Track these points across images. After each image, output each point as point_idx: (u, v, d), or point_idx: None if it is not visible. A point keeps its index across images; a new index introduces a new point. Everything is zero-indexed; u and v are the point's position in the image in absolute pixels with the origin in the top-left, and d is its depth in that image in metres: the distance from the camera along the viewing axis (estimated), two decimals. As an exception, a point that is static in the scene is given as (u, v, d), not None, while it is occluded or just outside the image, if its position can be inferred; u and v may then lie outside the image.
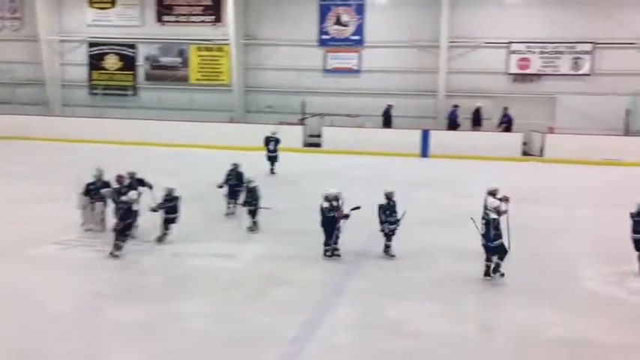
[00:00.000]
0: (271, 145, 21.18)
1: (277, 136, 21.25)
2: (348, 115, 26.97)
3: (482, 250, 12.34)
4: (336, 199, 12.17)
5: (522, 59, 26.54)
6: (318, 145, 26.07)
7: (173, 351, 8.61)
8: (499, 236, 11.14)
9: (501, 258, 11.23)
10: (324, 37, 28.16)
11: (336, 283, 11.29)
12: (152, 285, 10.95)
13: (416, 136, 25.15)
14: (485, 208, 12.12)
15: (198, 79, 29.65)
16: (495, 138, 24.96)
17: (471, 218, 11.76)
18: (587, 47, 25.80)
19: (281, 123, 25.73)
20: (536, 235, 13.41)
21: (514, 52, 26.51)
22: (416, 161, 24.06)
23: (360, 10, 27.70)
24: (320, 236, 13.60)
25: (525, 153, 24.85)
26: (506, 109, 25.66)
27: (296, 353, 8.60)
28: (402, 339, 9.00)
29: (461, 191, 18.33)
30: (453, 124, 26.06)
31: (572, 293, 10.89)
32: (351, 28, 27.87)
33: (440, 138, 24.98)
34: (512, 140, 24.78)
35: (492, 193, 12.45)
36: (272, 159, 21.16)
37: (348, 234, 12.50)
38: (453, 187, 18.95)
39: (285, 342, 8.88)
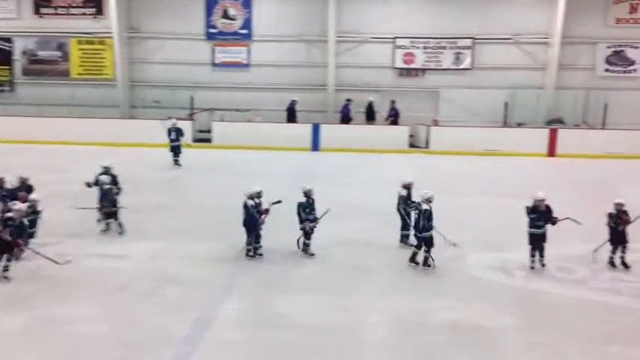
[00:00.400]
0: (172, 134, 21.19)
1: (178, 125, 21.38)
2: (237, 110, 26.75)
3: (370, 241, 12.62)
4: (259, 196, 11.97)
5: (407, 54, 27.20)
6: (208, 140, 25.68)
7: (62, 356, 8.27)
8: (431, 227, 11.44)
9: (429, 250, 11.55)
10: (211, 30, 27.71)
11: (227, 280, 11.19)
12: (38, 290, 10.44)
13: (306, 130, 25.28)
14: (405, 200, 12.45)
15: (80, 74, 28.44)
16: (383, 131, 25.47)
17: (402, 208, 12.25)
18: (468, 42, 26.77)
19: (169, 118, 25.25)
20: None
21: (399, 47, 27.13)
22: (307, 155, 24.19)
23: (247, 3, 27.46)
24: (212, 233, 13.50)
25: (412, 145, 25.49)
26: (393, 102, 26.23)
27: (188, 353, 8.46)
28: (290, 332, 9.04)
29: (351, 183, 18.63)
30: (345, 118, 26.37)
31: (459, 279, 11.30)
32: (239, 22, 27.59)
33: (330, 132, 25.20)
34: (400, 133, 25.35)
35: (407, 187, 12.73)
36: (174, 149, 21.17)
37: (237, 229, 12.38)
38: (343, 180, 19.19)
39: (177, 342, 8.71)
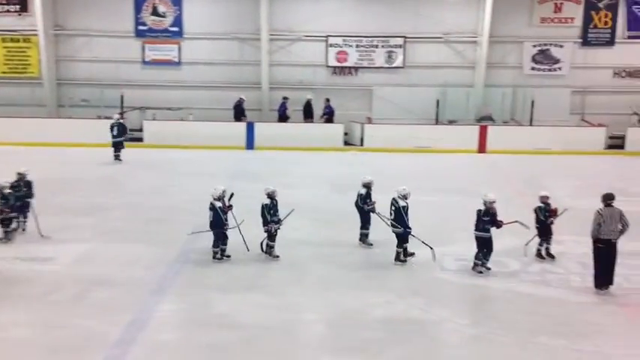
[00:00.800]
0: (114, 130, 21.38)
1: (121, 121, 21.82)
2: (169, 109, 26.34)
3: (307, 239, 12.59)
4: (224, 196, 11.79)
5: (340, 52, 27.30)
6: (139, 139, 25.14)
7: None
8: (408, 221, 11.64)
9: (401, 245, 11.80)
10: (141, 28, 27.15)
11: (162, 281, 10.96)
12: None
13: (241, 128, 25.09)
14: (364, 198, 12.53)
15: (5, 72, 27.43)
16: (318, 129, 25.52)
17: (377, 213, 12.29)
18: (399, 41, 27.07)
19: (99, 117, 24.77)
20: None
21: (332, 45, 27.21)
22: (241, 154, 23.99)
23: (177, 1, 27.02)
24: (146, 234, 13.24)
25: (347, 143, 25.63)
26: (327, 100, 26.30)
27: (120, 355, 8.24)
28: (227, 332, 8.94)
29: (287, 182, 18.55)
30: (283, 116, 26.26)
31: (394, 275, 11.40)
32: (169, 19, 27.11)
33: (264, 130, 25.09)
34: (335, 131, 25.47)
35: (367, 186, 12.72)
36: (115, 145, 21.43)
37: (170, 229, 12.17)
38: (279, 179, 19.05)
39: (108, 345, 8.47)
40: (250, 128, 25.07)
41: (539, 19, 26.85)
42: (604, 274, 10.51)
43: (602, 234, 10.35)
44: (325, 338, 8.96)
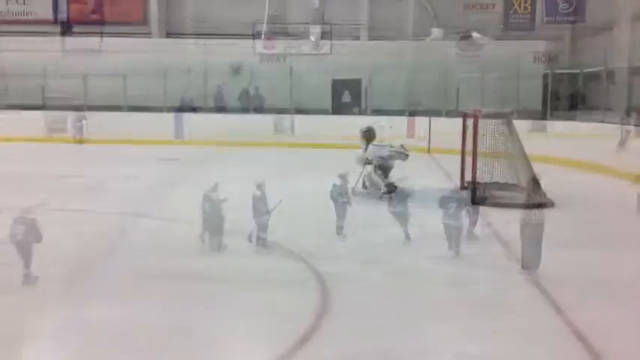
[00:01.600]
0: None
1: None
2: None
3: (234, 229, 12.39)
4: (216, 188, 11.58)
5: (267, 39, 27.22)
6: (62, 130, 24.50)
7: None
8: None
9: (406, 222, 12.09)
10: (61, 15, 26.41)
11: (87, 277, 10.61)
12: None
13: (169, 119, 24.76)
14: (339, 190, 12.35)
15: None
16: (247, 118, 25.41)
17: (382, 193, 12.43)
18: (327, 28, 27.17)
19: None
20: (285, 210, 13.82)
21: (259, 32, 27.07)
22: (169, 144, 23.62)
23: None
24: (64, 230, 12.80)
25: (277, 132, 25.49)
26: (257, 89, 26.22)
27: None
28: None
29: (216, 172, 18.31)
30: (220, 105, 26.02)
31: (325, 261, 11.35)
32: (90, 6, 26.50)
33: (193, 119, 24.84)
34: (264, 119, 25.36)
35: (343, 177, 12.60)
36: None
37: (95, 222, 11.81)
38: (208, 168, 18.86)
39: (30, 344, 8.17)
40: (179, 118, 24.76)
41: (462, 6, 27.38)
42: (531, 255, 10.80)
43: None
44: (251, 330, 8.86)
